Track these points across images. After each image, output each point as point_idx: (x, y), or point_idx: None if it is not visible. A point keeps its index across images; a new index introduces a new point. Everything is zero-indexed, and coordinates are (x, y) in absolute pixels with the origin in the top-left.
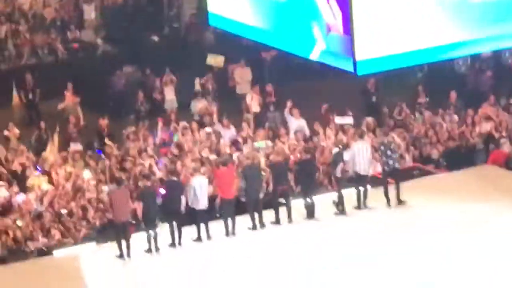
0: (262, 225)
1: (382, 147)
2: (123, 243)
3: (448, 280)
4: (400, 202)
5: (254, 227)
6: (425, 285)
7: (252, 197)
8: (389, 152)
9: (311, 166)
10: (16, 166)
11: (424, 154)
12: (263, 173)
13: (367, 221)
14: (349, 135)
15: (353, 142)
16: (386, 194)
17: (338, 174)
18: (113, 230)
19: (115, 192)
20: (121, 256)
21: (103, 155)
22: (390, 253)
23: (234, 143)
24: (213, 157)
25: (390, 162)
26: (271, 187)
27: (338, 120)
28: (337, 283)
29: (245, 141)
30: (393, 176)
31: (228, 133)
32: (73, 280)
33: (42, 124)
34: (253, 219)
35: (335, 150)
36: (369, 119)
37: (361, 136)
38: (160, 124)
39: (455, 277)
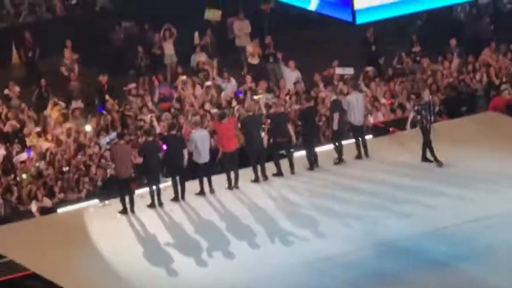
0: (265, 177)
1: (417, 107)
2: (126, 198)
3: (453, 226)
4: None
5: (256, 180)
6: (430, 231)
7: (254, 148)
8: (424, 112)
9: (313, 115)
10: (16, 125)
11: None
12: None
13: (367, 169)
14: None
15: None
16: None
17: (335, 124)
18: (116, 186)
19: (117, 147)
20: (124, 211)
21: (104, 111)
22: (392, 200)
23: (235, 96)
24: (214, 110)
25: (424, 121)
26: (271, 140)
27: (339, 70)
28: (342, 230)
29: (245, 93)
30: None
31: (229, 85)
32: (78, 236)
33: (43, 82)
34: (255, 171)
35: (333, 98)
36: (369, 69)
37: (355, 88)
38: (156, 82)
39: (459, 223)
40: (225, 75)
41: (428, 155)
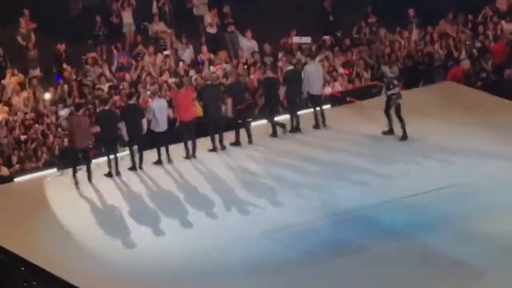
0: (223, 147)
1: (385, 80)
2: (85, 167)
3: (410, 196)
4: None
5: (214, 149)
6: (387, 200)
7: (212, 117)
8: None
9: (275, 85)
10: None
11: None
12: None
13: (325, 139)
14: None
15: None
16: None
17: (281, 95)
18: (73, 156)
19: (74, 117)
20: (75, 182)
21: (61, 81)
22: (350, 170)
23: (193, 64)
24: (172, 80)
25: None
26: (229, 109)
27: (297, 39)
28: (298, 200)
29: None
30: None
31: (187, 51)
32: (35, 205)
33: (0, 51)
34: (213, 141)
35: (289, 68)
36: (326, 38)
37: (312, 57)
38: (115, 52)
39: (415, 193)
40: (184, 41)
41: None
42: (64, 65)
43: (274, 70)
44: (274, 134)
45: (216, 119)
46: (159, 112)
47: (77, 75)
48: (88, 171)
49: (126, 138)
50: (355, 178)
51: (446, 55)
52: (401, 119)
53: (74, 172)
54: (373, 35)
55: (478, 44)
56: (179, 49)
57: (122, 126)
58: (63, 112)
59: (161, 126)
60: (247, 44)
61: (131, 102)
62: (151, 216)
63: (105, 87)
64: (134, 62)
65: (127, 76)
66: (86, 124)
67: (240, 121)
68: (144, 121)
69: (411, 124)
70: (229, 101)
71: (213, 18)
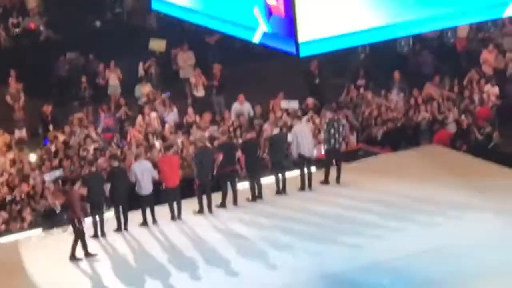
0: (210, 210)
1: (325, 126)
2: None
3: (390, 258)
4: (338, 182)
5: (201, 211)
6: (374, 263)
7: (203, 181)
8: (332, 131)
9: (255, 146)
10: None
11: (370, 135)
12: None
13: (311, 201)
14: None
15: (294, 124)
16: (327, 173)
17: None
18: (61, 218)
19: (73, 190)
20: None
21: (49, 143)
22: (336, 232)
23: (179, 127)
24: (157, 142)
25: (332, 141)
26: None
27: (284, 104)
28: (286, 262)
29: (190, 126)
30: (334, 156)
31: (171, 115)
32: (19, 266)
33: None
34: (201, 203)
35: (275, 131)
36: (310, 100)
37: (298, 118)
38: (102, 114)
39: (401, 255)
40: (167, 103)
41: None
42: (50, 126)
43: (258, 132)
44: (252, 198)
45: (206, 182)
46: (141, 175)
47: (63, 136)
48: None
49: (110, 199)
50: (342, 240)
51: (431, 119)
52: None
53: (84, 244)
54: (360, 98)
55: (463, 108)
56: (162, 111)
57: (107, 188)
58: (48, 177)
59: (145, 189)
60: (240, 107)
61: (116, 164)
62: (135, 278)
63: (91, 148)
64: (119, 124)
65: (113, 137)
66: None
67: (227, 181)
68: (128, 183)
69: (396, 186)
70: (220, 157)
71: (199, 80)
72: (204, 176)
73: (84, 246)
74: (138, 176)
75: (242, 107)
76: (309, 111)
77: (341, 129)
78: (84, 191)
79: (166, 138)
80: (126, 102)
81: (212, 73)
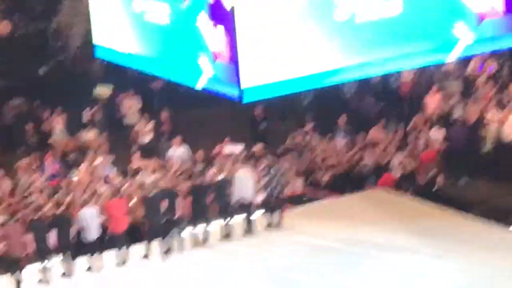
0: (163, 254)
1: (264, 172)
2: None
3: None
4: (279, 226)
5: (146, 256)
6: None
7: (153, 226)
8: (270, 177)
9: (202, 191)
10: None
11: (314, 179)
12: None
13: (255, 246)
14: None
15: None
16: (271, 217)
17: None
18: (5, 264)
19: (8, 226)
20: None
21: None
22: (285, 282)
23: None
24: (102, 188)
25: (270, 187)
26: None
27: (229, 148)
28: None
29: (137, 171)
30: (274, 201)
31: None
32: None
33: None
34: (148, 248)
35: (220, 177)
36: (257, 147)
37: (243, 163)
38: (48, 159)
39: None
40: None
41: None
42: None
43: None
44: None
45: (156, 228)
46: (89, 221)
47: (9, 183)
48: (18, 279)
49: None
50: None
51: (376, 163)
52: None
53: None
54: (305, 142)
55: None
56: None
57: (52, 235)
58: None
59: (92, 234)
60: (177, 150)
61: (60, 210)
62: None
63: (37, 195)
64: (64, 171)
65: (58, 184)
66: (20, 232)
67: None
68: (73, 230)
69: (343, 230)
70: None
71: (144, 126)
72: (153, 223)
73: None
74: (86, 223)
75: (179, 149)
76: (258, 157)
77: (279, 173)
78: (30, 237)
79: (112, 184)
80: (72, 147)
81: (159, 119)
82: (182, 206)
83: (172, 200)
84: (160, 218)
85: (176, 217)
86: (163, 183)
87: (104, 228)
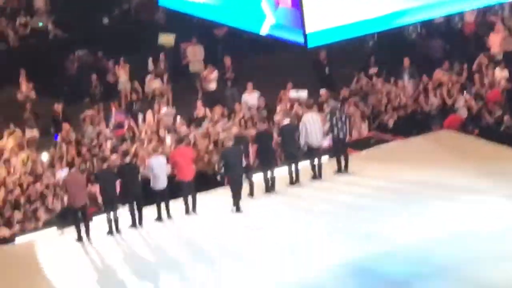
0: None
1: (328, 115)
2: (82, 226)
3: (406, 245)
4: (346, 171)
5: (238, 209)
6: (388, 250)
7: (234, 177)
8: (334, 120)
9: (268, 138)
10: None
11: (381, 122)
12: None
13: (323, 191)
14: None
15: (304, 114)
16: (337, 162)
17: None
18: (71, 215)
19: (70, 177)
20: (79, 239)
21: (59, 139)
22: (348, 221)
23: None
24: (169, 137)
25: (335, 130)
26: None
27: (293, 93)
28: (298, 253)
29: (202, 119)
30: (338, 145)
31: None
32: (35, 266)
33: None
34: (237, 200)
35: (285, 121)
36: (323, 91)
37: (309, 107)
38: (113, 109)
39: (416, 241)
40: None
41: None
42: (62, 125)
43: (269, 123)
44: (266, 190)
45: (238, 179)
46: (158, 169)
47: (74, 134)
48: (87, 229)
49: (123, 196)
50: (355, 229)
51: (441, 104)
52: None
53: (76, 229)
54: (369, 86)
55: (474, 92)
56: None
57: (119, 184)
58: (61, 173)
59: (161, 183)
60: (248, 97)
61: (127, 160)
62: (151, 274)
63: (105, 145)
64: (130, 120)
65: (124, 134)
66: (82, 183)
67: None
68: (140, 179)
69: (409, 172)
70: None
71: (209, 74)
72: (234, 174)
73: (87, 231)
74: (155, 171)
75: (250, 96)
76: (323, 102)
77: (343, 118)
78: (96, 188)
79: (177, 132)
80: (137, 97)
81: (223, 66)
82: (252, 152)
83: (246, 146)
84: (239, 165)
85: (250, 163)
86: (234, 130)
87: (171, 176)
